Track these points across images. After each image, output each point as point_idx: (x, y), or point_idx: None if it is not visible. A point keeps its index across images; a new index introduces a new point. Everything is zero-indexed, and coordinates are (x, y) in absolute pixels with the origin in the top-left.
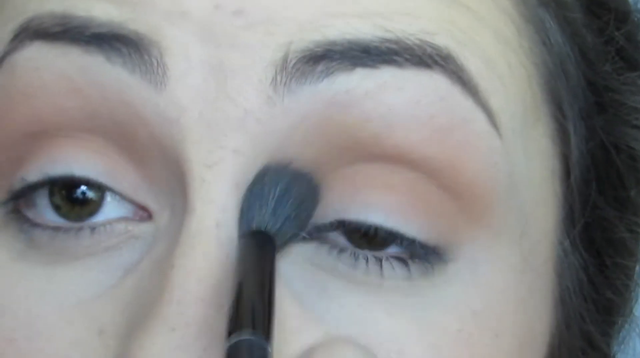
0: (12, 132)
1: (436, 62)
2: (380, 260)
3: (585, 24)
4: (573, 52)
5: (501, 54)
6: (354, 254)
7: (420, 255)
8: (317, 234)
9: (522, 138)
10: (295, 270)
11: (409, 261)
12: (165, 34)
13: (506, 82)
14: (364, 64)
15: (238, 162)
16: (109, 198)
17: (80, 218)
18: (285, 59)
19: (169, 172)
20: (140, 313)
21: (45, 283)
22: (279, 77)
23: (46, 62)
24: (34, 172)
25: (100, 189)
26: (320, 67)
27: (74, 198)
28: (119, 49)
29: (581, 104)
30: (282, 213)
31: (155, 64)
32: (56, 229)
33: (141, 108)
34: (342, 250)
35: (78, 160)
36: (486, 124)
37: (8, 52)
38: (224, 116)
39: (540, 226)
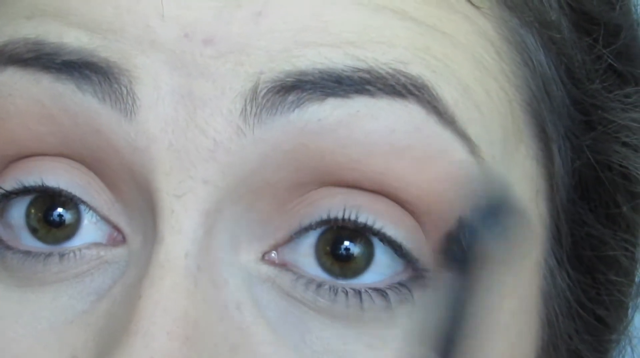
0: None
1: (410, 92)
2: (360, 292)
3: (573, 42)
4: (558, 71)
5: (479, 80)
6: (333, 288)
7: (399, 279)
8: (300, 234)
9: (503, 163)
10: (271, 299)
11: (387, 291)
12: (135, 62)
13: (484, 110)
14: (335, 94)
15: (208, 192)
16: (86, 221)
17: (57, 241)
18: (255, 90)
19: (141, 199)
20: (110, 340)
21: (19, 307)
22: (248, 108)
23: (19, 88)
24: (10, 181)
25: (77, 210)
26: (291, 97)
27: (50, 221)
28: (89, 77)
29: (567, 123)
30: None
31: (125, 92)
32: (26, 253)
33: (112, 136)
34: (320, 285)
35: (54, 173)
36: (464, 153)
37: None
38: (193, 146)
39: (523, 249)
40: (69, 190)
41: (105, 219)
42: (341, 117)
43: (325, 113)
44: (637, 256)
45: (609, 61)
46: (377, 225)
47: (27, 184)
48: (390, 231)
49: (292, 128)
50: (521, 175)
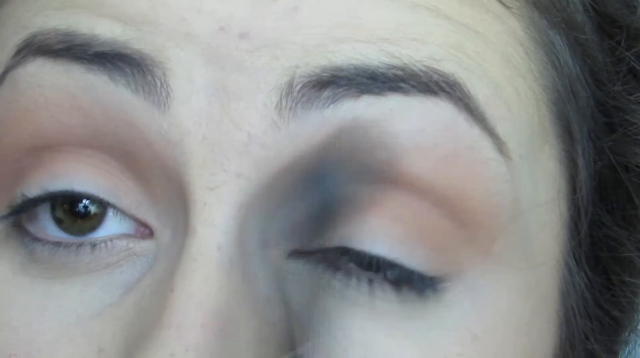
0: (15, 146)
1: (442, 89)
2: (373, 281)
3: (596, 44)
4: (583, 73)
5: (509, 79)
6: (347, 272)
7: (416, 284)
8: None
9: (528, 162)
10: (298, 290)
11: (405, 286)
12: (169, 55)
13: (513, 108)
14: (370, 91)
15: (241, 185)
16: (110, 212)
17: (82, 232)
18: (290, 84)
19: (172, 192)
20: (139, 334)
21: (45, 299)
22: (284, 102)
23: (49, 79)
24: (34, 188)
25: (102, 204)
26: (326, 93)
27: (75, 212)
28: (122, 69)
29: (590, 125)
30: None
31: (159, 85)
32: (57, 244)
33: (144, 129)
34: (337, 269)
35: (79, 176)
36: (492, 151)
37: (11, 66)
38: (227, 139)
39: (544, 248)
40: (96, 194)
41: (132, 217)
42: (375, 115)
43: (360, 111)
44: None
45: (631, 63)
46: (392, 256)
47: (52, 190)
48: (406, 260)
49: (326, 124)
50: (544, 175)
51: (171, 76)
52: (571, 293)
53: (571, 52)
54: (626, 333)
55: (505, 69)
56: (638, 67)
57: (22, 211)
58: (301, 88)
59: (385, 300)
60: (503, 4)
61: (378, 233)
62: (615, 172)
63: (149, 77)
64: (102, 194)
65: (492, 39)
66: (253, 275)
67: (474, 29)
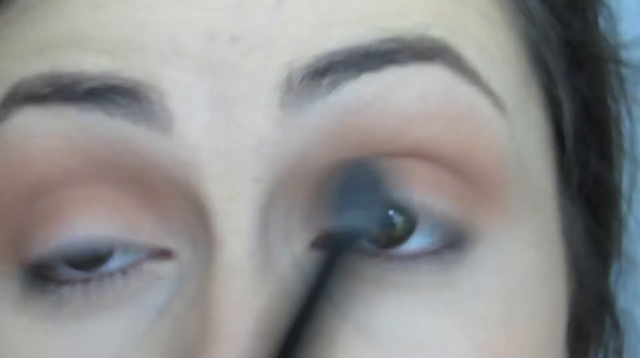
0: (12, 198)
1: (436, 54)
2: (415, 257)
3: None
4: (548, 14)
5: (489, 34)
6: (388, 257)
7: (447, 238)
8: None
9: (519, 114)
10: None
11: (439, 252)
12: (162, 76)
13: (498, 63)
14: (368, 69)
15: (259, 189)
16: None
17: (94, 266)
18: (289, 79)
19: (187, 210)
20: (180, 355)
21: (75, 340)
22: (286, 98)
23: (42, 127)
24: (43, 249)
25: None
26: (326, 80)
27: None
28: (116, 101)
29: (563, 65)
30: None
31: (157, 109)
32: (78, 281)
33: (151, 156)
34: (374, 255)
35: (91, 226)
36: (491, 109)
37: None
38: (238, 146)
39: (545, 195)
40: (110, 245)
41: (150, 248)
42: (377, 90)
43: (362, 89)
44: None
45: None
46: (420, 203)
47: (69, 253)
48: (434, 206)
49: (331, 110)
50: (534, 123)
51: (168, 97)
52: (573, 236)
53: None
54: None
55: (484, 25)
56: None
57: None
58: (300, 81)
59: (426, 273)
60: None
61: (401, 181)
62: (591, 107)
63: (146, 104)
64: (114, 231)
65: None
66: (284, 275)
67: None
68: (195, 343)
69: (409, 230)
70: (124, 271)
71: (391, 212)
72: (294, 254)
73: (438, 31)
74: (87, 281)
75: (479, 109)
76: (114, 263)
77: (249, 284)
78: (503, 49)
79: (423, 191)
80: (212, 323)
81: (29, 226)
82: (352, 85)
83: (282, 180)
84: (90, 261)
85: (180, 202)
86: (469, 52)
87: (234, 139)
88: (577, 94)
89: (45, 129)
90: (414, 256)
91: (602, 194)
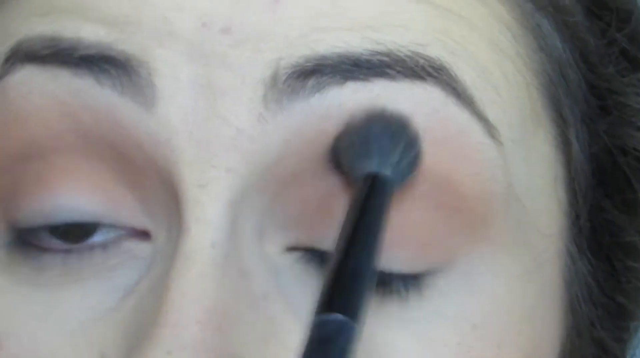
0: (6, 155)
1: (429, 74)
2: (384, 274)
3: (586, 27)
4: (573, 56)
5: (496, 63)
6: None
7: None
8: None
9: (522, 147)
10: (295, 285)
11: (406, 276)
12: (153, 54)
13: (502, 92)
14: (355, 78)
15: (232, 181)
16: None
17: (76, 239)
18: (275, 76)
19: (165, 192)
20: (139, 335)
21: (48, 306)
22: (269, 94)
23: (38, 86)
24: (29, 218)
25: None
26: (311, 82)
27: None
28: (108, 71)
29: (583, 108)
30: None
31: (144, 84)
32: (55, 251)
33: (133, 130)
34: None
35: (73, 196)
36: (482, 135)
37: (0, 75)
38: (215, 135)
39: (544, 234)
40: (92, 219)
41: (128, 228)
42: (361, 101)
43: (346, 97)
44: None
45: (622, 45)
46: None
47: (50, 222)
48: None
49: (313, 113)
50: (540, 160)
51: (156, 75)
52: (575, 280)
53: (560, 35)
54: (635, 320)
55: (492, 52)
56: (629, 49)
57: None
58: (286, 79)
59: (381, 292)
60: None
61: None
62: (613, 155)
63: (135, 78)
64: (96, 207)
65: (478, 24)
66: (249, 271)
67: (459, 14)
68: (149, 325)
69: None
70: (104, 246)
71: None
72: (266, 253)
73: (436, 50)
74: (68, 251)
75: (468, 134)
76: (97, 238)
77: (207, 274)
78: (510, 79)
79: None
80: (164, 307)
81: (18, 188)
82: (336, 91)
83: (257, 175)
84: (75, 233)
85: (158, 184)
86: (467, 75)
87: (212, 127)
88: (600, 139)
89: (41, 89)
90: (384, 274)
91: (621, 245)
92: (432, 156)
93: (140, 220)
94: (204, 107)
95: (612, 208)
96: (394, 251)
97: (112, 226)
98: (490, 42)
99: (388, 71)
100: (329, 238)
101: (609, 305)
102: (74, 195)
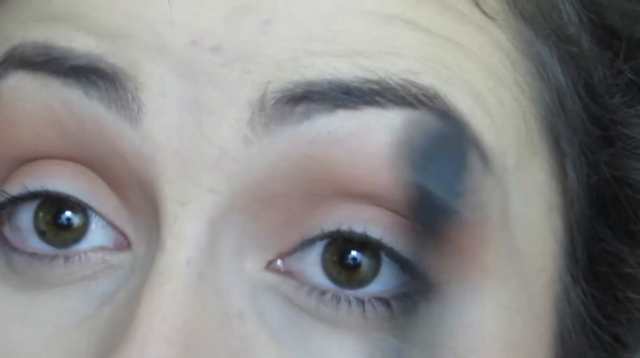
0: None
1: (422, 103)
2: (363, 302)
3: (594, 56)
4: (576, 86)
5: (492, 90)
6: (336, 296)
7: (404, 288)
8: (307, 245)
9: (516, 175)
10: (275, 307)
11: (391, 301)
12: (142, 68)
13: (497, 119)
14: (345, 106)
15: (213, 200)
16: (93, 224)
17: (65, 244)
18: (263, 100)
19: (147, 205)
20: (109, 347)
21: (25, 309)
22: (257, 118)
23: (29, 92)
24: (15, 186)
25: (85, 214)
26: (299, 108)
27: (58, 224)
28: (96, 83)
29: (583, 139)
30: None
31: (131, 99)
32: (32, 255)
33: (118, 143)
34: (323, 293)
35: (60, 178)
36: (477, 162)
37: None
38: (199, 154)
39: (536, 263)
40: (75, 195)
41: (111, 224)
42: (351, 129)
43: (335, 125)
44: None
45: (630, 76)
46: (385, 240)
47: (32, 190)
48: (398, 247)
49: (301, 139)
50: (534, 188)
51: (143, 90)
52: (567, 310)
53: (562, 65)
54: (632, 352)
55: (489, 80)
56: (636, 80)
57: (3, 209)
58: (274, 104)
59: (375, 318)
60: (487, 16)
61: (370, 219)
62: (614, 186)
63: (121, 91)
64: (83, 196)
65: (475, 51)
66: (225, 289)
67: (455, 41)
68: (119, 338)
69: (372, 274)
70: (86, 254)
71: (356, 253)
72: (245, 271)
73: (428, 78)
74: (33, 255)
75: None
76: (80, 245)
77: (179, 292)
78: (507, 106)
79: (391, 232)
80: (134, 322)
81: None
82: (326, 118)
83: (240, 197)
84: (61, 238)
85: (141, 196)
86: (462, 103)
87: (197, 146)
88: (599, 170)
89: (31, 96)
90: (363, 302)
91: (620, 276)
92: None
93: (122, 223)
94: (190, 125)
95: (612, 238)
96: (405, 241)
97: (99, 221)
98: (487, 69)
99: (378, 99)
100: (311, 254)
101: (604, 335)
102: (63, 181)
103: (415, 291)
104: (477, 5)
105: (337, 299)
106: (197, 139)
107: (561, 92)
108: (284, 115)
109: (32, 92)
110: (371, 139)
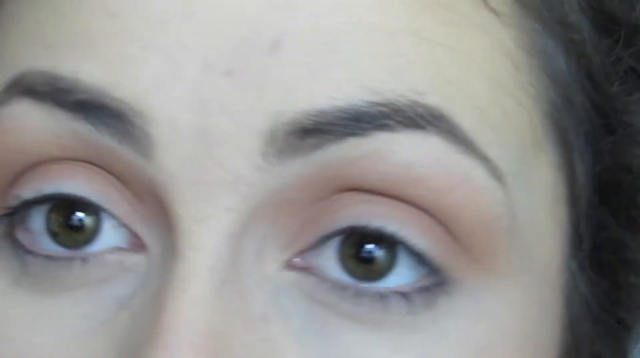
0: (4, 171)
1: (429, 123)
2: (384, 296)
3: (593, 44)
4: (578, 75)
5: (495, 100)
6: (357, 292)
7: (423, 281)
8: (324, 241)
9: (522, 176)
10: (297, 306)
11: (411, 295)
12: (150, 102)
13: (500, 131)
14: (355, 134)
15: (231, 218)
16: (105, 225)
17: (77, 245)
18: (274, 131)
19: (162, 213)
20: (132, 352)
21: (40, 313)
22: (268, 149)
23: (36, 121)
24: (29, 189)
25: (97, 215)
26: (310, 140)
27: (70, 225)
28: (104, 119)
29: (587, 128)
30: None
31: (140, 134)
32: (48, 257)
33: (134, 170)
34: (344, 288)
35: (74, 180)
36: (487, 178)
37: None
38: (214, 180)
39: (546, 257)
40: (89, 198)
41: (125, 226)
42: (362, 154)
43: (346, 152)
44: None
45: (629, 62)
46: (401, 234)
47: (46, 193)
48: (415, 239)
49: (313, 165)
50: (540, 184)
51: (152, 124)
52: (575, 298)
53: (565, 56)
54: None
55: (491, 90)
56: (636, 67)
57: (17, 214)
58: (284, 136)
59: (396, 313)
60: (493, 12)
61: (384, 213)
62: (616, 174)
63: (129, 127)
64: (97, 198)
65: (477, 58)
66: (248, 292)
67: (457, 50)
68: (142, 344)
69: (388, 267)
70: (95, 256)
71: (372, 246)
72: (266, 273)
73: (434, 98)
74: (48, 257)
75: (472, 179)
76: (93, 247)
77: (202, 297)
78: (510, 115)
79: (406, 227)
80: (158, 328)
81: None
82: (336, 147)
83: (258, 211)
84: (73, 239)
85: (156, 206)
86: (467, 120)
87: (210, 172)
88: (602, 158)
89: (39, 125)
90: (383, 296)
91: (623, 262)
92: (436, 200)
93: (136, 225)
94: (202, 154)
95: (615, 225)
96: (421, 233)
97: (111, 221)
98: (489, 78)
99: (387, 121)
100: (328, 249)
101: (610, 320)
102: (76, 183)
103: (434, 285)
104: (484, 1)
105: (358, 294)
106: (210, 166)
107: (566, 86)
108: (295, 147)
109: (40, 121)
110: (380, 161)
